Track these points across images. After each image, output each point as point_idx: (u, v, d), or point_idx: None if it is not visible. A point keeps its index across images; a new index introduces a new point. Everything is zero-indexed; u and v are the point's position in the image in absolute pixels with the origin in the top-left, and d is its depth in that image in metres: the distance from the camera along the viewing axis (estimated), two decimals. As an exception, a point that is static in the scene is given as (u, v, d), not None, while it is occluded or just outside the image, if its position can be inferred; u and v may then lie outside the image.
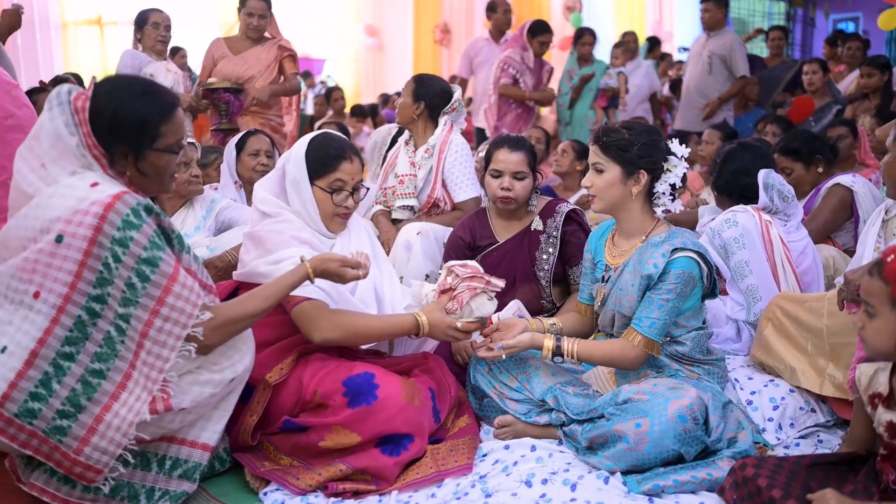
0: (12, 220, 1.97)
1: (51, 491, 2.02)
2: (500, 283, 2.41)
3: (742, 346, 2.94)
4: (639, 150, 2.36)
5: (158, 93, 2.04)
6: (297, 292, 2.25)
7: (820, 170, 3.77)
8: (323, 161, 2.42)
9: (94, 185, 1.93)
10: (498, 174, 2.96)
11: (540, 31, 6.25)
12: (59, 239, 1.87)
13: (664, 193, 2.41)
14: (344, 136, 2.59)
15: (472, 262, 2.46)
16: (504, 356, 2.40)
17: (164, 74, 4.73)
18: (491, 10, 6.62)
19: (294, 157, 2.44)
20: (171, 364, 1.94)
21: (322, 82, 10.02)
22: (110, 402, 1.92)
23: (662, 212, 2.43)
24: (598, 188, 2.41)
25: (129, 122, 1.97)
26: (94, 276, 1.89)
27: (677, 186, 2.41)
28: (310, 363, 2.34)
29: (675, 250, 2.31)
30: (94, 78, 1.98)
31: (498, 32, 6.61)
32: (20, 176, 1.99)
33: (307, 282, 2.18)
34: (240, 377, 2.14)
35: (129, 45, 5.00)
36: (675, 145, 2.41)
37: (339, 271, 2.21)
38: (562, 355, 2.38)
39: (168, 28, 5.04)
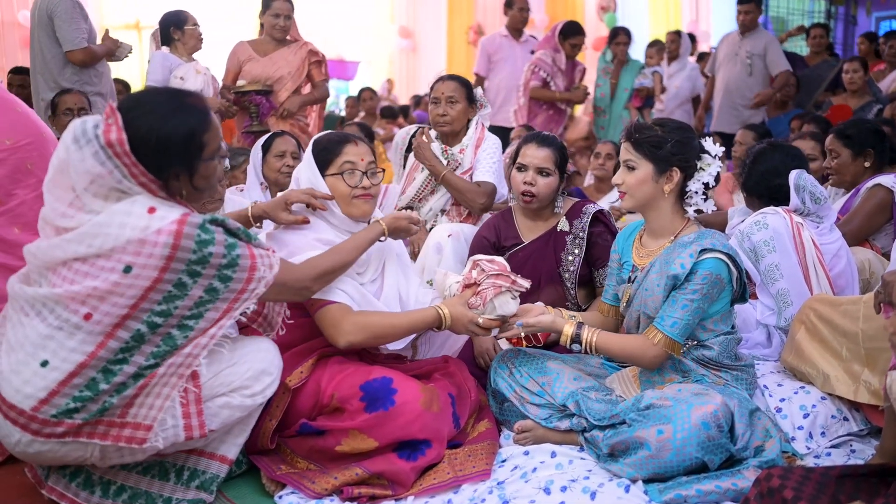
0: (56, 240, 1.89)
1: (70, 496, 2.03)
2: (526, 284, 2.39)
3: (772, 351, 2.86)
4: (672, 147, 2.32)
5: (190, 103, 1.97)
6: (323, 296, 2.27)
7: (867, 164, 3.56)
8: (328, 149, 2.44)
9: (152, 210, 1.86)
10: (523, 168, 2.94)
11: (572, 33, 6.19)
12: (127, 269, 1.83)
13: (697, 192, 2.36)
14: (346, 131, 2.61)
15: (500, 259, 2.45)
16: (523, 334, 2.40)
17: (195, 76, 4.75)
18: (508, 6, 6.57)
19: (304, 161, 2.48)
20: (234, 321, 1.99)
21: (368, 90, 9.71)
22: (157, 371, 1.92)
23: (694, 211, 2.38)
24: (630, 185, 2.37)
25: (176, 144, 1.91)
26: (162, 296, 1.87)
27: (710, 186, 2.36)
28: (328, 366, 2.33)
29: (703, 251, 2.26)
30: (110, 104, 1.92)
31: (515, 30, 6.54)
32: (56, 213, 1.91)
33: (334, 288, 2.26)
34: (266, 399, 2.16)
35: (165, 50, 5.00)
36: (709, 144, 2.36)
37: (408, 227, 2.45)
38: (580, 343, 2.35)
39: (199, 27, 5.07)
